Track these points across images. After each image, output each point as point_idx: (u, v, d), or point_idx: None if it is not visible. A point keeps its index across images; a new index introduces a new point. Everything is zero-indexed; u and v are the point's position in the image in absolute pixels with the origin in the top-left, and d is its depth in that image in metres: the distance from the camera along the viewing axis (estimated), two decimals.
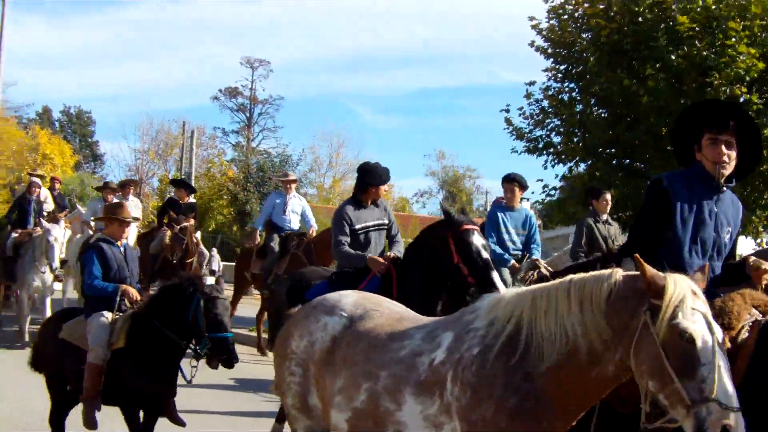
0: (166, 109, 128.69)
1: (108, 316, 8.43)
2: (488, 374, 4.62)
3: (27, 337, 15.77)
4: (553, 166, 21.13)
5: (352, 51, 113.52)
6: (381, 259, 8.97)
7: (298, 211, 17.37)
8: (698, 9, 18.09)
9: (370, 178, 9.46)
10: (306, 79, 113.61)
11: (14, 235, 17.27)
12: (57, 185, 21.65)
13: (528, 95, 21.29)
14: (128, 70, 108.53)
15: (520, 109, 21.34)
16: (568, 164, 21.02)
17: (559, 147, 20.82)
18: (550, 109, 20.93)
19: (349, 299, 5.89)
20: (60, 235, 16.52)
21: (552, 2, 20.56)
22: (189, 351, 8.48)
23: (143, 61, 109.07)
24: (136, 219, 10.26)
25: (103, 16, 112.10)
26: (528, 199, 22.58)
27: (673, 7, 18.38)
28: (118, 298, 8.54)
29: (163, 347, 8.17)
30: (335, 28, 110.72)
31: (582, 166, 20.93)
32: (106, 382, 8.20)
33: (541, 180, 21.82)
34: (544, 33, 20.71)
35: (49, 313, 15.75)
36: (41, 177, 20.50)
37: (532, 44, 20.95)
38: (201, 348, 8.12)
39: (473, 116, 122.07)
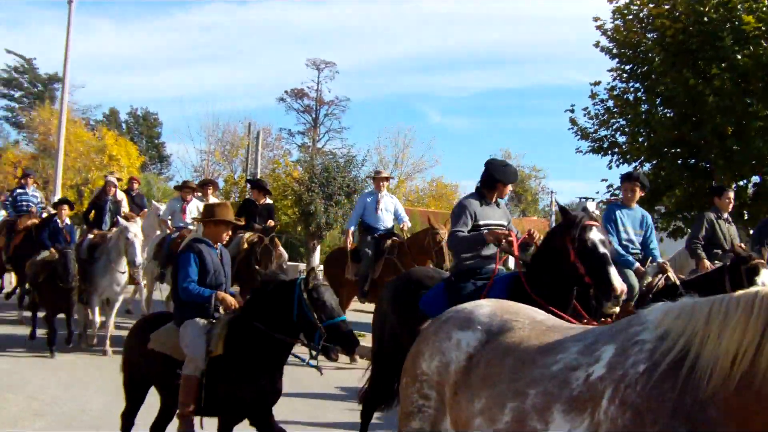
0: (232, 110, 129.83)
1: (203, 322, 7.89)
2: (655, 396, 4.02)
3: (95, 341, 15.89)
4: (618, 166, 21.25)
5: (418, 52, 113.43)
6: (500, 230, 8.57)
7: (391, 209, 16.55)
8: (764, 8, 18.07)
9: (502, 176, 8.96)
10: (372, 81, 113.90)
11: (90, 236, 16.92)
12: (135, 185, 21.57)
13: (593, 95, 21.36)
14: (195, 72, 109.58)
15: (585, 109, 21.48)
16: (633, 164, 21.01)
17: (624, 146, 20.90)
18: (615, 109, 20.99)
19: (484, 310, 5.42)
20: (138, 231, 16.03)
21: (617, 3, 20.63)
22: (294, 358, 7.94)
23: (210, 62, 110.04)
24: (238, 220, 9.25)
25: (170, 18, 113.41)
26: (593, 199, 22.74)
27: (739, 6, 18.35)
28: (213, 305, 8.00)
29: (268, 350, 7.62)
30: (402, 29, 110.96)
31: (647, 166, 20.90)
32: (204, 393, 7.65)
33: (606, 180, 21.89)
34: (609, 33, 20.80)
35: (113, 319, 15.92)
36: (118, 180, 20.16)
37: (597, 45, 21.04)
38: (316, 341, 7.48)
39: (539, 117, 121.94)
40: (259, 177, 43.43)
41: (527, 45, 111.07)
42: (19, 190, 20.44)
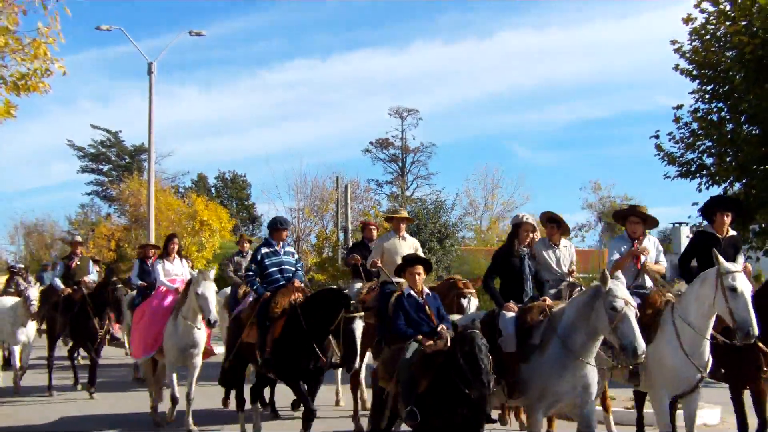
0: (319, 164, 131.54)
1: None
2: None
3: None
4: (707, 188, 20.79)
5: (501, 91, 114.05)
6: None
7: None
8: None
9: None
10: (456, 123, 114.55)
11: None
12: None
13: (677, 119, 21.13)
14: (280, 130, 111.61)
15: (670, 133, 21.23)
16: (723, 185, 20.69)
17: (712, 168, 20.55)
18: (700, 131, 20.69)
19: None
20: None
21: (693, 24, 20.46)
22: None
23: (294, 119, 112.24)
24: None
25: (253, 79, 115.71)
26: (687, 224, 22.49)
27: None
28: None
29: None
30: (484, 69, 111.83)
31: (737, 186, 20.59)
32: None
33: (697, 203, 21.49)
34: (688, 55, 20.59)
35: None
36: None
37: (676, 68, 20.86)
38: None
39: (627, 144, 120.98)
40: (350, 229, 43.81)
41: (609, 73, 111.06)
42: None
